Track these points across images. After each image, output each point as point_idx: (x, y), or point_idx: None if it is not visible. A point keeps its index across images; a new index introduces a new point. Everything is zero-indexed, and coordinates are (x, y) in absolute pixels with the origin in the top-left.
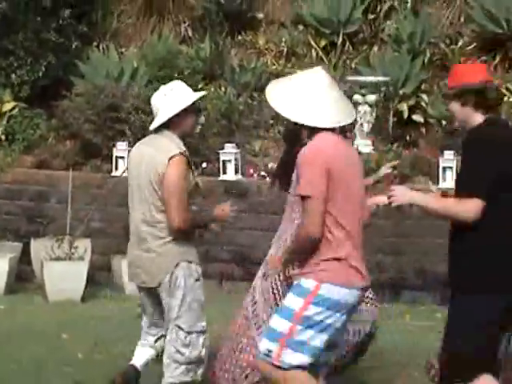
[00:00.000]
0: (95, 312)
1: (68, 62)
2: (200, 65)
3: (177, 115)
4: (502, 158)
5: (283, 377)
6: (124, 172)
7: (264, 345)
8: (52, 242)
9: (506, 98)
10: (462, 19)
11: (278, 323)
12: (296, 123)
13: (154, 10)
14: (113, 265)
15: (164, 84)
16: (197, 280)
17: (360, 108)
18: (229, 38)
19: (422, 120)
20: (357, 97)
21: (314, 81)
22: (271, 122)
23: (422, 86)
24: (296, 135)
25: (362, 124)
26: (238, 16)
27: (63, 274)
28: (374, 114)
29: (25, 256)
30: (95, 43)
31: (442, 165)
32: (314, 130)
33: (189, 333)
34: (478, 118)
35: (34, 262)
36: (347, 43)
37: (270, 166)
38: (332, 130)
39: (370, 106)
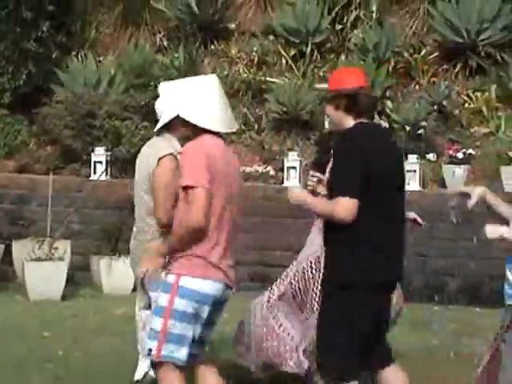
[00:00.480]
0: (75, 310)
1: (48, 71)
2: (174, 73)
3: (176, 118)
4: (366, 162)
5: (158, 375)
6: (101, 175)
7: (147, 346)
8: (33, 244)
9: (466, 105)
10: (425, 29)
11: (154, 322)
12: (181, 120)
13: (130, 21)
14: (91, 265)
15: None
16: None
17: None
18: (202, 48)
19: (386, 125)
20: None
21: (208, 86)
22: (243, 127)
23: (387, 93)
24: (327, 142)
25: None
26: (210, 26)
27: (44, 274)
28: None
29: (6, 257)
30: (74, 52)
31: (405, 168)
32: (199, 131)
33: None
34: (349, 122)
35: (16, 262)
36: (315, 52)
37: (241, 169)
38: (215, 134)
39: None
